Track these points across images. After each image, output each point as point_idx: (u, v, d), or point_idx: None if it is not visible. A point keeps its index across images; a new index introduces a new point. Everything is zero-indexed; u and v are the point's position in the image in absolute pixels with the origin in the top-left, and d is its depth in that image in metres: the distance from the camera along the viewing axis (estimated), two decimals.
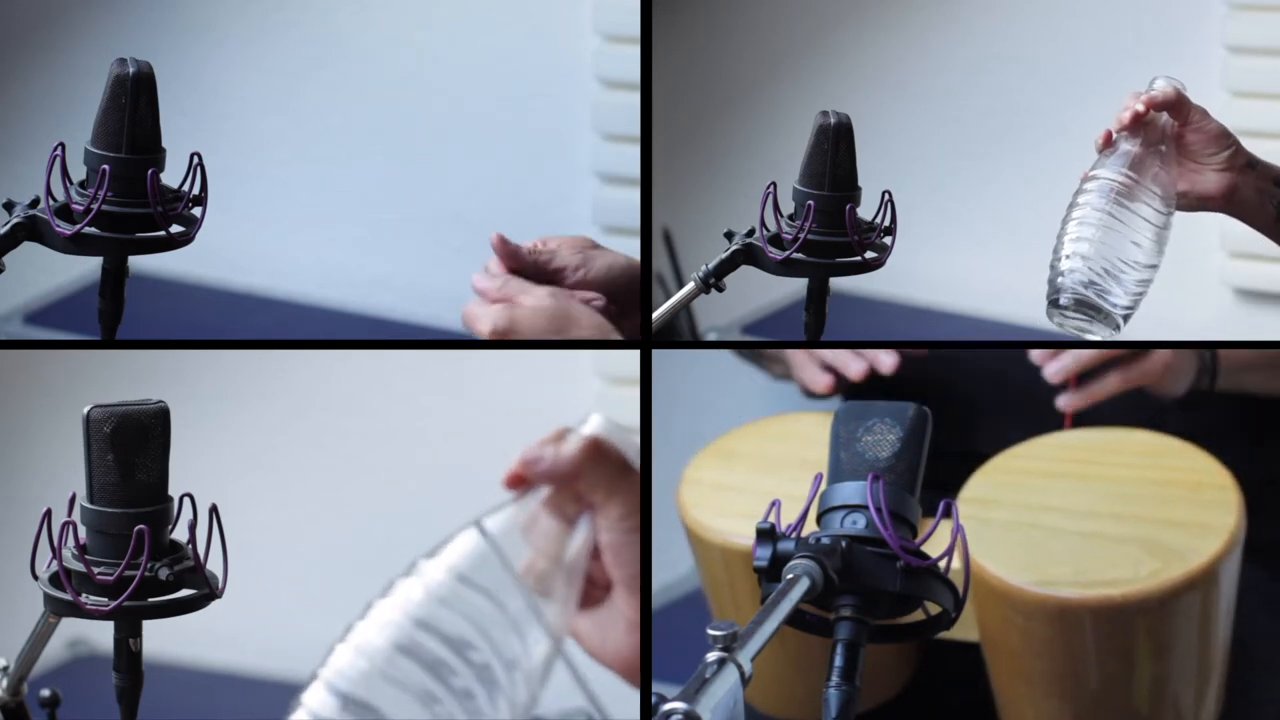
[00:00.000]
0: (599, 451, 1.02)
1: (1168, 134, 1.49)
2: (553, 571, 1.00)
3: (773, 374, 1.99)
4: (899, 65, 2.86)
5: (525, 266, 1.45)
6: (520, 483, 1.03)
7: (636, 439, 1.04)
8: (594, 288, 1.46)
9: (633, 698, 1.09)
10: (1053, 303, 1.46)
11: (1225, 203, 1.51)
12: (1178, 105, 1.49)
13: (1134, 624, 1.49)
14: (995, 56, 2.79)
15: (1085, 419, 1.77)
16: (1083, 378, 1.78)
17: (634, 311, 1.50)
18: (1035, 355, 1.80)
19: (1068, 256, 1.45)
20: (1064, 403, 1.79)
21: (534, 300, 1.40)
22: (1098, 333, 1.47)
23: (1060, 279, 1.45)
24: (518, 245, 1.46)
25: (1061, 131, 2.66)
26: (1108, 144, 1.49)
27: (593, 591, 1.04)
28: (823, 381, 1.82)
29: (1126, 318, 1.46)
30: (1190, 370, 1.81)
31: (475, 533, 1.00)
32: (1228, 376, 1.83)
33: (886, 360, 1.80)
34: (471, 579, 0.97)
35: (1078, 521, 1.56)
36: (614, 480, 1.02)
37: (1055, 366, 1.79)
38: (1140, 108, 1.48)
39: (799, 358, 1.83)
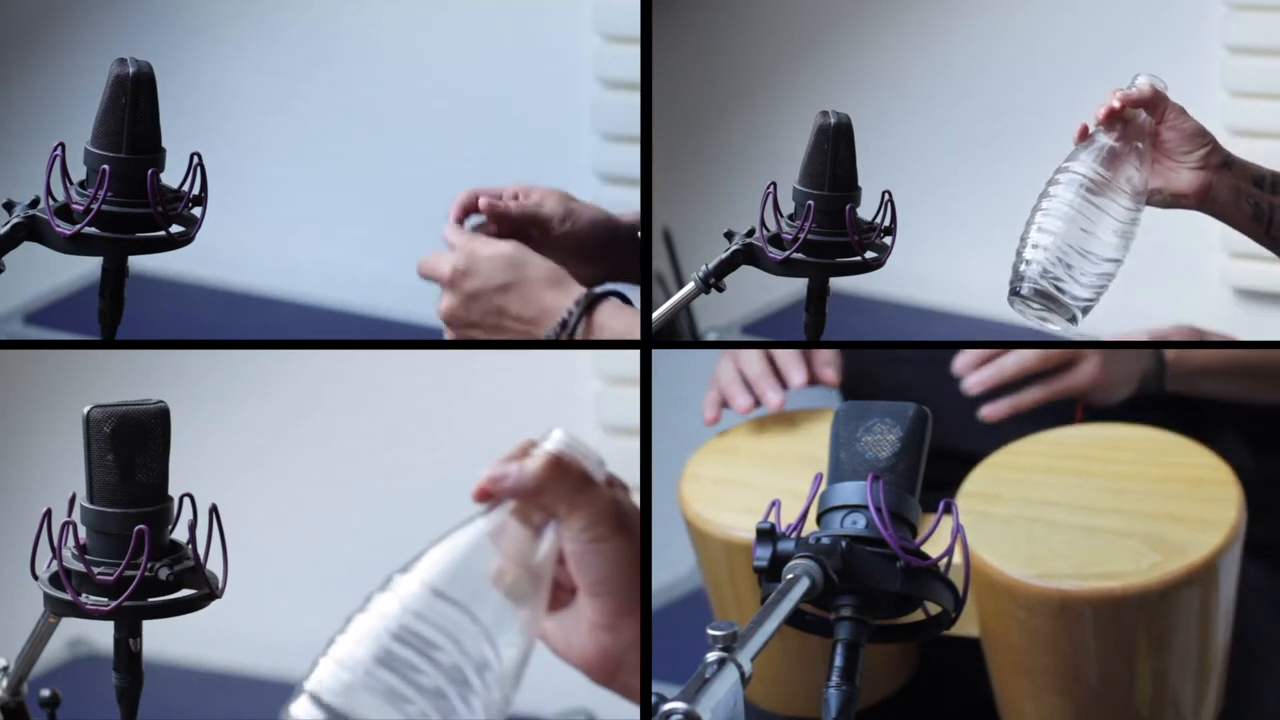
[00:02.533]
0: (559, 468, 1.06)
1: (1145, 131, 1.50)
2: (521, 576, 1.03)
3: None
4: (899, 65, 2.86)
5: (510, 214, 1.54)
6: (488, 497, 1.07)
7: (599, 451, 1.08)
8: (578, 239, 1.55)
9: (618, 700, 1.11)
10: (1014, 292, 1.49)
11: (1199, 200, 1.52)
12: (1154, 103, 1.49)
13: (1134, 618, 1.49)
14: (995, 56, 2.79)
15: (1094, 414, 1.78)
16: (1008, 387, 1.78)
17: (603, 260, 1.57)
18: (958, 365, 1.80)
19: (1032, 247, 1.48)
20: (987, 412, 1.78)
21: (492, 248, 1.49)
22: (1056, 324, 1.49)
23: (1023, 268, 1.48)
24: (498, 191, 1.55)
25: (1061, 132, 2.65)
26: (1084, 137, 1.50)
27: (559, 594, 1.09)
28: (742, 403, 1.81)
29: (1086, 310, 1.48)
30: (1132, 378, 1.79)
31: (446, 545, 1.04)
32: (1180, 380, 1.81)
33: (797, 379, 1.79)
34: (444, 591, 1.02)
35: (1078, 516, 1.56)
36: (575, 495, 1.06)
37: (975, 379, 1.78)
38: (1116, 104, 1.48)
39: (725, 375, 1.82)
